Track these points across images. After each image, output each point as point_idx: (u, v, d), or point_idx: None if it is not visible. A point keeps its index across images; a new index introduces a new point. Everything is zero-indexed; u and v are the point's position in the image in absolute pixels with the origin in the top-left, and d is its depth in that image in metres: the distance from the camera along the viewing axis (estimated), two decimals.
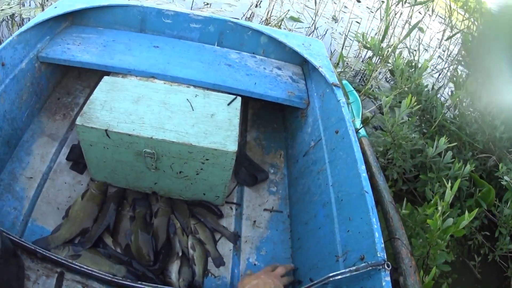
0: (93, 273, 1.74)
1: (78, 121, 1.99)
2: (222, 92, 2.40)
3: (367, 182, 1.76)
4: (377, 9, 6.12)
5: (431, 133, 3.13)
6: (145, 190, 2.27)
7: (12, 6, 4.74)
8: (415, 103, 2.87)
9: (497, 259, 2.84)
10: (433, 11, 7.77)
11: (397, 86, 3.42)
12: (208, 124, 2.07)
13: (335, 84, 2.43)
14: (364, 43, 4.34)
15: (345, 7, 7.70)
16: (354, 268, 1.51)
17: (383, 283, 1.41)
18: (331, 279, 1.54)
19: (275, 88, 2.66)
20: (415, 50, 6.35)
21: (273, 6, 6.11)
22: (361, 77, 4.86)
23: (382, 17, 5.84)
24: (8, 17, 4.48)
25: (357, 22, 7.01)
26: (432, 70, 5.76)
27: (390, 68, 4.39)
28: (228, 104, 2.25)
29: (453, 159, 2.82)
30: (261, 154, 2.74)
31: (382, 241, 1.53)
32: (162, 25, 3.03)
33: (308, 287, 1.66)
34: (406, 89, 3.27)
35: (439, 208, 2.19)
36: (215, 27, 3.01)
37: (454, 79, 3.57)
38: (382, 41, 4.75)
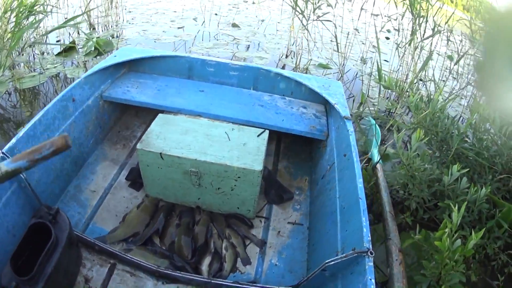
0: (141, 263, 2.09)
1: (139, 146, 2.37)
2: (255, 127, 2.71)
3: (362, 191, 2.05)
4: (400, 45, 6.09)
5: (449, 162, 3.07)
6: (190, 205, 2.59)
7: (57, 65, 5.05)
8: (432, 135, 3.02)
9: None
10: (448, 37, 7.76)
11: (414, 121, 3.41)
12: (240, 150, 2.42)
13: (346, 117, 2.73)
14: (382, 83, 4.49)
15: (373, 46, 7.63)
16: (344, 255, 1.80)
17: (367, 267, 1.68)
18: (326, 265, 1.83)
19: (300, 123, 2.94)
20: (443, 81, 6.39)
21: (302, 54, 6.35)
22: (388, 113, 4.99)
23: (407, 53, 5.92)
24: (54, 75, 4.80)
25: (385, 60, 6.88)
26: (455, 97, 5.74)
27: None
28: (258, 136, 2.59)
29: (469, 184, 2.76)
30: (289, 180, 3.02)
31: (369, 235, 1.81)
32: (206, 72, 3.36)
33: (310, 275, 1.96)
34: (422, 122, 3.23)
35: (447, 229, 2.26)
36: (250, 74, 3.33)
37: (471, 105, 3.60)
38: (403, 79, 4.88)
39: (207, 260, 2.25)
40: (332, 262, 1.82)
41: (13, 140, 2.04)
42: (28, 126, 2.20)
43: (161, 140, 2.43)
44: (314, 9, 6.07)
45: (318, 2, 6.11)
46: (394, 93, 5.29)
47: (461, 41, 6.19)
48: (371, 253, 1.72)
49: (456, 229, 2.25)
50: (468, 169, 2.79)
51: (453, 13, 6.42)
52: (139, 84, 3.17)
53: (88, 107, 2.83)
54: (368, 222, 1.88)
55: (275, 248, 2.44)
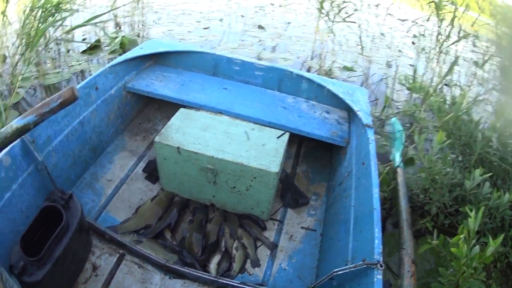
0: (150, 256, 2.06)
1: (157, 139, 2.35)
2: (275, 128, 2.66)
3: (377, 201, 1.99)
4: (425, 50, 6.05)
5: (472, 166, 2.97)
6: (204, 202, 2.54)
7: (81, 62, 5.09)
8: (455, 139, 2.93)
9: None
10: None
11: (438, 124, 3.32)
12: (259, 151, 2.37)
13: (368, 125, 2.65)
14: (407, 85, 4.40)
15: (399, 50, 7.59)
16: (353, 265, 1.73)
17: (375, 280, 1.62)
18: (335, 274, 1.77)
19: (321, 128, 2.88)
20: (468, 86, 6.31)
21: (326, 57, 6.33)
22: (412, 116, 4.90)
23: (432, 57, 5.86)
24: (78, 72, 4.85)
25: (410, 65, 6.86)
26: (480, 101, 5.66)
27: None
28: (278, 138, 2.53)
29: (492, 190, 2.65)
30: (307, 184, 2.95)
31: (381, 247, 1.74)
32: (231, 71, 3.33)
33: (317, 283, 1.90)
34: (445, 125, 3.17)
35: (463, 235, 2.17)
36: (275, 75, 3.28)
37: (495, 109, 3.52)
38: (428, 83, 4.81)
39: (216, 259, 2.21)
40: (341, 272, 1.76)
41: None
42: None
43: (180, 134, 2.40)
44: (339, 11, 6.05)
45: (342, 3, 6.09)
46: (418, 97, 5.21)
47: (487, 46, 6.12)
48: (381, 266, 1.66)
49: (474, 235, 2.14)
50: (491, 174, 2.70)
51: (477, 18, 6.39)
52: (164, 78, 3.15)
53: (111, 96, 2.82)
54: (381, 233, 1.82)
55: (286, 252, 2.38)
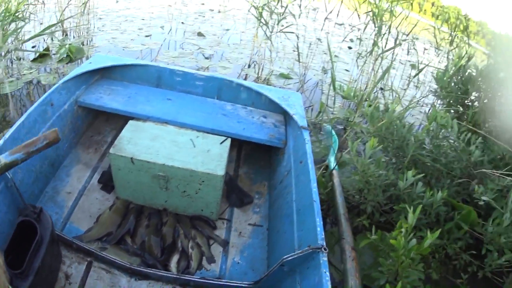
0: (115, 261, 2.24)
1: (111, 150, 2.52)
2: (218, 135, 2.89)
3: (316, 194, 2.28)
4: (361, 55, 6.23)
5: (405, 167, 3.18)
6: (158, 207, 2.73)
7: (32, 71, 5.09)
8: (388, 143, 3.19)
9: (489, 275, 2.86)
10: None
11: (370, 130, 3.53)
12: (204, 156, 2.60)
13: (303, 127, 2.95)
14: (341, 93, 4.65)
15: (335, 56, 7.80)
16: (300, 251, 1.99)
17: (321, 262, 1.88)
18: (285, 260, 2.01)
19: (260, 132, 3.14)
20: (403, 89, 6.58)
21: (264, 64, 6.53)
22: (346, 122, 5.14)
23: (367, 62, 6.10)
24: (29, 82, 4.85)
25: (346, 70, 7.19)
26: (414, 106, 5.87)
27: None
28: (221, 143, 2.77)
29: (426, 188, 2.88)
30: (250, 185, 3.19)
31: (323, 234, 2.02)
32: (174, 82, 3.52)
33: (270, 270, 2.12)
34: (378, 131, 3.37)
35: (402, 230, 2.40)
36: (215, 84, 3.51)
37: (428, 114, 3.72)
38: (363, 88, 5.05)
39: (175, 258, 2.41)
40: (290, 258, 2.00)
41: (0, 142, 2.16)
42: (13, 129, 2.33)
43: (131, 145, 2.57)
44: (279, 21, 6.21)
45: (282, 14, 6.25)
46: (353, 102, 5.46)
47: (425, 49, 6.40)
48: (325, 249, 1.93)
49: (411, 229, 2.39)
50: (424, 174, 2.95)
51: (417, 22, 6.67)
52: (111, 91, 3.30)
53: (64, 111, 2.95)
54: (322, 222, 2.10)
55: (237, 247, 2.61)
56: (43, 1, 7.37)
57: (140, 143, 2.62)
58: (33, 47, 5.82)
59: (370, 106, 3.43)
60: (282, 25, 6.44)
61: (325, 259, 1.90)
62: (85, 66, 3.28)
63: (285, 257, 2.02)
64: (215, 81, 3.51)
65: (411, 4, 6.48)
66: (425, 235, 2.38)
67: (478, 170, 3.04)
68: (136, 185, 2.63)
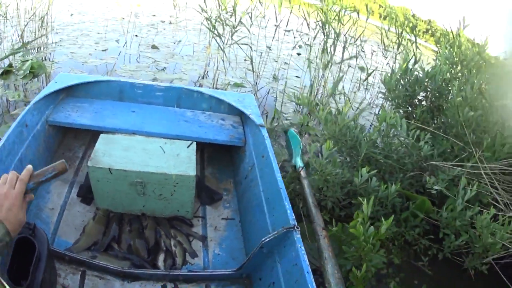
0: (107, 267, 2.39)
1: (89, 163, 2.66)
2: (183, 140, 3.09)
3: (281, 182, 2.55)
4: (311, 61, 6.37)
5: (359, 165, 3.38)
6: (136, 213, 2.89)
7: None
8: (341, 144, 3.42)
9: (449, 256, 3.11)
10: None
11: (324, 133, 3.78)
12: (175, 160, 2.81)
13: (261, 125, 3.22)
14: (296, 100, 4.87)
15: (285, 63, 8.09)
16: (275, 232, 2.24)
17: (296, 238, 2.14)
18: (263, 242, 2.25)
19: (220, 134, 3.36)
20: (353, 92, 6.88)
21: (218, 74, 6.70)
22: (301, 126, 5.28)
23: (318, 68, 6.28)
24: None
25: (296, 76, 7.46)
26: (364, 109, 6.07)
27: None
28: (188, 147, 2.99)
29: (380, 182, 3.11)
30: (216, 183, 3.40)
31: (293, 215, 2.28)
32: (135, 94, 3.67)
33: (251, 254, 2.35)
34: (332, 134, 3.60)
35: (359, 219, 2.66)
36: (174, 94, 3.69)
37: (378, 116, 3.95)
38: (315, 94, 5.25)
39: (161, 257, 2.59)
40: (267, 239, 2.23)
41: None
42: None
43: (107, 157, 2.73)
44: (232, 34, 6.35)
45: (236, 26, 6.37)
46: (306, 108, 5.66)
47: (373, 51, 6.60)
48: (297, 228, 2.18)
49: (367, 219, 2.64)
50: (377, 170, 3.21)
51: (366, 25, 6.87)
52: (78, 108, 3.40)
53: (38, 131, 3.04)
54: (290, 206, 2.35)
55: (215, 241, 2.82)
56: (8, 16, 7.32)
57: (114, 154, 2.77)
58: None
59: (323, 110, 3.66)
60: (237, 36, 6.57)
61: (299, 236, 2.15)
62: (51, 86, 3.37)
63: (263, 239, 2.24)
64: (174, 90, 3.70)
65: (358, 10, 6.69)
66: (382, 222, 2.63)
67: (428, 163, 3.32)
68: (114, 194, 2.78)
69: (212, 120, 3.58)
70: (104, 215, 2.82)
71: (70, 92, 3.59)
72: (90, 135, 3.46)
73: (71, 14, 9.96)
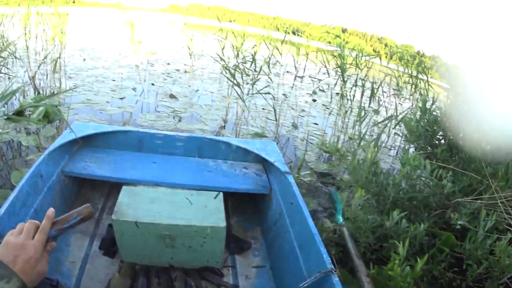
0: None
1: (114, 217, 2.57)
2: (208, 190, 3.01)
3: (314, 228, 2.50)
4: (328, 107, 6.39)
5: (387, 210, 3.39)
6: (164, 264, 2.78)
7: (8, 131, 5.04)
8: (367, 193, 3.41)
9: (471, 284, 3.13)
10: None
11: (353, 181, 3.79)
12: (203, 212, 2.73)
13: (286, 172, 3.19)
14: (324, 148, 4.87)
15: (302, 110, 8.08)
16: (313, 277, 2.16)
17: (334, 282, 2.04)
18: None
19: (245, 182, 3.34)
20: (371, 135, 6.78)
21: (239, 124, 6.78)
22: (328, 174, 5.27)
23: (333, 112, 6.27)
24: (8, 142, 4.81)
25: (315, 123, 7.42)
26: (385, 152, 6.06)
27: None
28: (215, 198, 2.91)
29: (409, 223, 3.15)
30: (243, 232, 3.32)
31: (329, 259, 2.21)
32: (155, 145, 3.65)
33: None
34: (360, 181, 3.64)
35: (396, 261, 2.65)
36: (195, 143, 3.68)
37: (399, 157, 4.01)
38: (335, 140, 5.24)
39: None
40: (305, 285, 2.16)
41: None
42: (7, 203, 2.33)
43: (132, 210, 2.64)
44: (253, 83, 6.38)
45: (257, 75, 6.39)
46: (327, 156, 5.74)
47: (383, 92, 6.61)
48: (335, 271, 2.10)
49: (404, 260, 2.64)
50: (406, 212, 3.18)
51: (371, 64, 6.88)
52: (96, 159, 3.36)
53: (53, 182, 2.98)
54: (325, 250, 2.28)
55: None
56: (16, 55, 7.36)
57: (140, 207, 2.69)
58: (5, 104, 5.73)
59: (353, 159, 3.76)
60: (256, 86, 6.61)
61: (337, 279, 2.06)
62: (67, 135, 3.35)
63: (300, 285, 2.17)
64: (195, 140, 3.69)
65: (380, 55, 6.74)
66: (413, 263, 2.65)
67: (451, 200, 3.34)
68: (141, 246, 2.69)
69: (235, 169, 3.55)
70: (130, 268, 2.71)
71: (87, 141, 3.55)
72: (108, 186, 3.40)
73: (84, 59, 10.17)
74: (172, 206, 2.75)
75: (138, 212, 2.63)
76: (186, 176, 3.31)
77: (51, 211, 1.50)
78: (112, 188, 3.19)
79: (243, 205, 3.63)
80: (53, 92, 5.33)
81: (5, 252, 1.29)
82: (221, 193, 2.96)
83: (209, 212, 2.73)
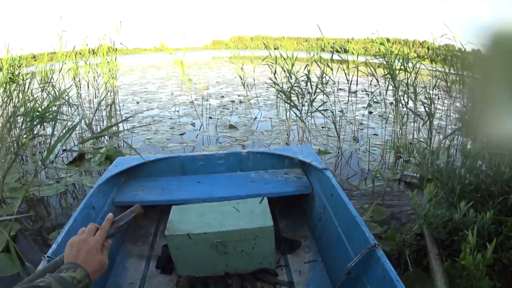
0: None
1: (167, 232, 2.66)
2: (253, 197, 3.08)
3: (355, 211, 2.55)
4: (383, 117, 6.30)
5: (456, 201, 3.37)
6: (220, 273, 2.84)
7: (72, 174, 5.26)
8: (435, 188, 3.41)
9: None
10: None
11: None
12: (251, 216, 2.79)
13: (324, 168, 3.28)
14: (395, 149, 4.81)
15: (361, 123, 8.06)
16: (359, 254, 2.22)
17: (379, 256, 2.09)
18: (349, 267, 2.25)
19: (287, 186, 3.43)
20: (429, 139, 6.65)
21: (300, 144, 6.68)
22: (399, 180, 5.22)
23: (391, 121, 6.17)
24: (72, 184, 5.03)
25: (374, 134, 7.41)
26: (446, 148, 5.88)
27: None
28: (260, 203, 2.98)
29: (476, 213, 3.09)
30: (292, 234, 3.36)
31: (372, 235, 2.27)
32: (197, 166, 3.79)
33: (340, 282, 2.39)
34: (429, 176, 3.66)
35: (467, 250, 2.62)
36: (235, 159, 3.82)
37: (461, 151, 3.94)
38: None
39: None
40: (352, 264, 2.22)
41: (54, 246, 2.30)
42: (63, 232, 2.48)
43: (183, 225, 2.73)
44: (311, 101, 6.39)
45: (314, 93, 6.40)
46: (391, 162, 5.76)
47: (430, 95, 6.45)
48: (378, 245, 2.15)
49: (474, 248, 2.60)
50: (472, 202, 3.16)
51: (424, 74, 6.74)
52: (143, 187, 3.51)
53: (105, 213, 3.06)
54: (368, 228, 2.34)
55: (303, 283, 2.75)
56: (73, 102, 7.61)
57: (190, 220, 2.78)
58: (64, 150, 5.94)
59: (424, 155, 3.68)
60: (313, 104, 6.64)
61: (381, 252, 2.11)
62: (112, 169, 3.53)
63: (348, 265, 2.24)
64: (234, 156, 3.83)
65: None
66: (482, 252, 2.60)
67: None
68: (196, 258, 2.76)
69: (277, 176, 3.63)
70: (187, 281, 2.78)
71: (132, 173, 3.71)
72: (158, 212, 3.52)
73: (137, 102, 10.52)
74: (221, 216, 2.82)
75: (189, 226, 2.71)
76: (231, 189, 3.41)
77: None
78: (162, 212, 3.32)
79: (289, 209, 3.68)
80: (110, 131, 5.49)
81: (69, 250, 1.41)
82: (266, 198, 3.03)
83: (256, 216, 2.79)
